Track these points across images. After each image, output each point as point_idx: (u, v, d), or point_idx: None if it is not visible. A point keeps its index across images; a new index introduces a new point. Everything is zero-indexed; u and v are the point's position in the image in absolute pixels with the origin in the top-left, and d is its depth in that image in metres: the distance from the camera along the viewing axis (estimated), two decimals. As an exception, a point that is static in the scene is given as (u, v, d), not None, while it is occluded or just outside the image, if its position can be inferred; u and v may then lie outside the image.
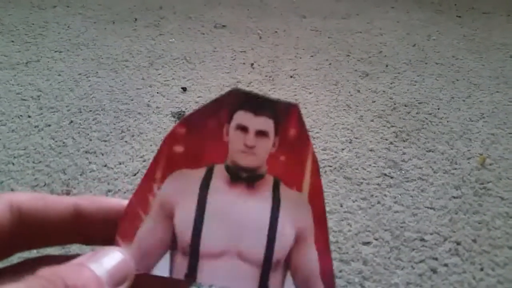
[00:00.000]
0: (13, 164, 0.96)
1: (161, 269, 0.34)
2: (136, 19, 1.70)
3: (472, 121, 1.15)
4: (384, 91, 1.28)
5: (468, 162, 0.99)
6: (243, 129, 0.37)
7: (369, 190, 0.91)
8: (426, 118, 1.15)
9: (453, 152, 1.03)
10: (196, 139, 0.38)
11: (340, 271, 0.74)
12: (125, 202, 0.36)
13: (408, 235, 0.81)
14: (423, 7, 1.95)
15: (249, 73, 1.35)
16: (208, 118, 0.38)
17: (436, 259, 0.76)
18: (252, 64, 1.40)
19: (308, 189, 0.37)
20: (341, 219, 0.84)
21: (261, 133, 0.37)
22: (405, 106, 1.21)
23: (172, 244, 0.36)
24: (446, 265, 0.75)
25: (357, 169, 0.97)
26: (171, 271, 0.35)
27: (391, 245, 0.79)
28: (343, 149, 1.03)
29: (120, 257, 0.33)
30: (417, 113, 1.18)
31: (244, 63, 1.41)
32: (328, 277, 0.36)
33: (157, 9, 1.81)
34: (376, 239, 0.80)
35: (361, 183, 0.93)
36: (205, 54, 1.46)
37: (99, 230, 0.33)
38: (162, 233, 0.36)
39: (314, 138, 1.06)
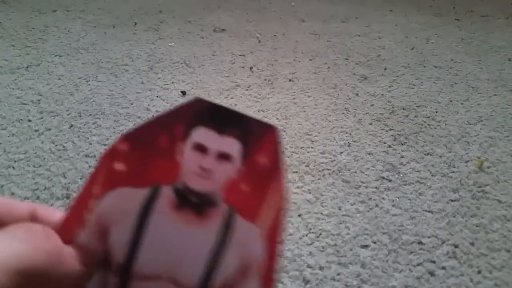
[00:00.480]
0: (13, 168, 0.96)
1: (91, 286, 0.31)
2: (135, 23, 1.71)
3: (470, 124, 1.15)
4: (382, 95, 1.28)
5: (466, 165, 1.00)
6: (202, 149, 0.32)
7: (367, 193, 0.91)
8: (424, 122, 1.16)
9: (451, 155, 1.03)
10: (142, 157, 0.34)
11: (338, 274, 0.74)
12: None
13: (406, 238, 0.81)
14: (421, 10, 1.96)
15: (248, 77, 1.36)
16: (160, 134, 0.33)
17: (434, 262, 0.76)
18: (251, 68, 1.41)
19: (268, 226, 0.33)
20: (339, 222, 0.84)
21: (223, 156, 0.32)
22: (403, 109, 1.21)
23: (105, 263, 0.32)
24: (443, 268, 0.75)
25: (355, 172, 0.97)
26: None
27: (389, 248, 0.79)
28: (341, 153, 1.03)
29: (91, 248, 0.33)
30: (415, 116, 1.18)
31: (243, 67, 1.42)
32: None
33: (157, 13, 1.82)
34: (374, 242, 0.80)
35: (360, 186, 0.93)
36: (204, 58, 1.47)
37: None
38: (94, 249, 0.32)
39: (312, 141, 1.07)
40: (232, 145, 0.32)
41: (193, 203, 0.33)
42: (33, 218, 0.35)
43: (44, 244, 0.29)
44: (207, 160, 0.32)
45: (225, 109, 0.32)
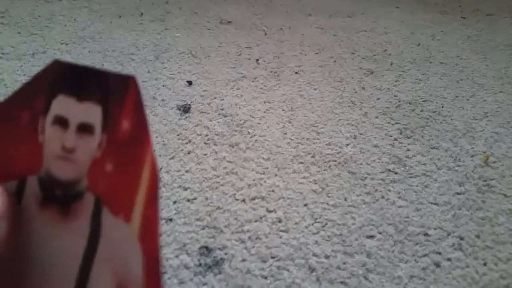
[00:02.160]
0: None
1: None
2: (142, 13, 1.71)
3: (476, 119, 1.15)
4: (388, 89, 1.28)
5: (472, 160, 1.00)
6: (62, 123, 0.26)
7: (373, 185, 0.91)
8: (430, 116, 1.16)
9: (457, 149, 1.03)
10: (3, 141, 0.26)
11: (344, 263, 0.75)
12: None
13: (411, 230, 0.81)
14: (427, 8, 1.95)
15: (254, 69, 1.35)
16: (20, 110, 0.26)
17: (439, 253, 0.76)
18: (257, 60, 1.41)
19: (139, 221, 0.26)
20: (345, 213, 0.84)
21: (84, 128, 0.26)
22: (410, 103, 1.21)
23: None
24: (449, 259, 0.75)
25: (361, 164, 0.97)
26: None
27: (394, 239, 0.79)
28: (347, 145, 1.03)
29: None
30: (421, 110, 1.18)
31: (249, 59, 1.41)
32: None
33: (163, 4, 1.81)
34: (380, 233, 0.80)
35: (365, 178, 0.93)
36: (210, 49, 1.46)
37: None
38: None
39: (318, 133, 1.07)
40: (93, 112, 0.26)
41: (58, 196, 0.26)
42: None
43: None
44: (68, 136, 0.26)
45: (84, 69, 0.26)
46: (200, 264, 0.74)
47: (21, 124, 0.27)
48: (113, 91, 0.27)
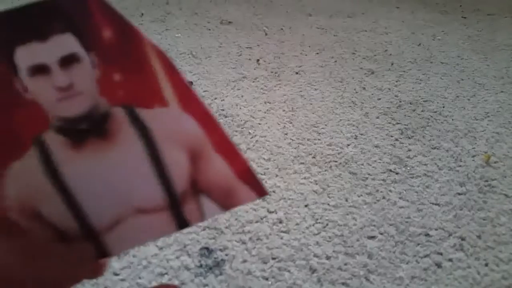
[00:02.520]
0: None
1: None
2: (142, 14, 1.71)
3: (477, 119, 1.15)
4: (389, 89, 1.28)
5: (473, 160, 1.00)
6: (41, 69, 0.25)
7: (374, 185, 0.91)
8: (431, 116, 1.16)
9: (458, 149, 1.03)
10: None
11: (345, 264, 0.74)
12: None
13: (413, 230, 0.81)
14: (428, 7, 1.95)
15: (255, 69, 1.35)
16: None
17: (441, 254, 0.76)
18: (258, 60, 1.40)
19: (176, 97, 0.28)
20: (346, 213, 0.84)
21: (67, 60, 0.25)
22: (410, 104, 1.21)
23: (62, 238, 0.29)
24: (450, 260, 0.75)
25: (362, 164, 0.97)
26: None
27: (396, 239, 0.79)
28: (348, 145, 1.03)
29: None
30: (422, 111, 1.18)
31: (250, 59, 1.41)
32: (248, 176, 0.31)
33: (164, 5, 1.81)
34: (381, 234, 0.80)
35: (367, 178, 0.93)
36: (211, 49, 1.46)
37: None
38: (41, 235, 0.28)
39: (319, 133, 1.07)
40: (64, 42, 0.25)
41: (87, 130, 0.27)
42: None
43: None
44: (56, 77, 0.26)
45: (24, 9, 0.25)
46: (201, 265, 0.74)
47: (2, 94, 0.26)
48: (73, 12, 0.25)
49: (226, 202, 0.32)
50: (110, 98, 0.27)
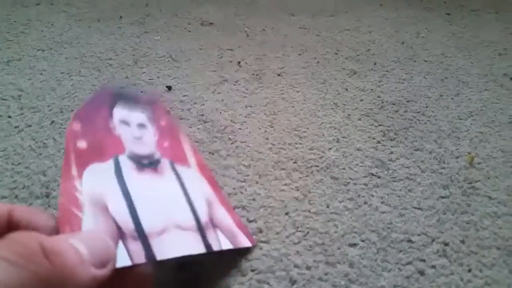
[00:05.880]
0: (-10, 166, 0.93)
1: (121, 260, 0.35)
2: (121, 17, 1.67)
3: (460, 119, 1.14)
4: (372, 90, 1.26)
5: (457, 161, 0.98)
6: (126, 123, 0.44)
7: (356, 190, 0.89)
8: (414, 117, 1.14)
9: (441, 151, 1.02)
10: (93, 134, 0.42)
11: (326, 274, 0.72)
12: (53, 217, 0.35)
13: (395, 236, 0.79)
14: (411, 4, 1.94)
15: (236, 71, 1.33)
16: (95, 115, 0.43)
17: (423, 260, 0.75)
18: (239, 62, 1.38)
19: (195, 164, 0.48)
20: (327, 220, 0.82)
21: (141, 125, 0.45)
22: (393, 104, 1.20)
23: (119, 233, 0.36)
24: (433, 266, 0.74)
25: (344, 168, 0.95)
26: (130, 258, 0.34)
27: (378, 246, 0.77)
28: (330, 149, 1.01)
29: (103, 240, 0.32)
30: (405, 111, 1.16)
31: (231, 61, 1.39)
32: (242, 226, 0.49)
33: (143, 6, 1.78)
34: (363, 241, 0.78)
35: (348, 183, 0.91)
36: (191, 52, 1.43)
37: None
38: (106, 225, 0.35)
39: (301, 137, 1.05)
40: (141, 117, 0.45)
41: (147, 164, 0.43)
42: (12, 222, 0.31)
43: (41, 268, 0.23)
44: (134, 130, 0.44)
45: (125, 93, 0.46)
46: (175, 280, 0.72)
47: (98, 123, 0.42)
48: (147, 105, 0.45)
49: (234, 241, 0.47)
50: (161, 152, 0.44)
